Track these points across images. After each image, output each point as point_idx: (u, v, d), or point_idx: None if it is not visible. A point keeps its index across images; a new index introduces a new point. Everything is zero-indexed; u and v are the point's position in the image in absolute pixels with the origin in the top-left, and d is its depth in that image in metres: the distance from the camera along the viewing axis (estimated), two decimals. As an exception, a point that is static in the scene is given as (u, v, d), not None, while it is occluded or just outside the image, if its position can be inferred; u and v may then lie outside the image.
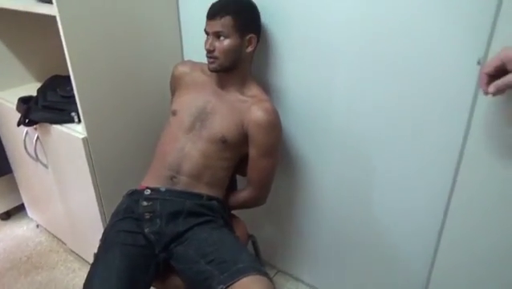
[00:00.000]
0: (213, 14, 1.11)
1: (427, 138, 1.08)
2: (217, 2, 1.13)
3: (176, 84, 1.30)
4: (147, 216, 1.11)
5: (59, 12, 1.12)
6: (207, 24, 1.14)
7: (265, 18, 1.21)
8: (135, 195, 1.17)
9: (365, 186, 1.27)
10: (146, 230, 1.10)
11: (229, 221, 1.23)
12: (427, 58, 1.00)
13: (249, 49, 1.16)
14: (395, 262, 1.31)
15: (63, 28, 1.15)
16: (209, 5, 1.14)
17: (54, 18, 1.14)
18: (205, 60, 1.18)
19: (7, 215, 2.08)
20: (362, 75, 1.12)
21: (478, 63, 0.91)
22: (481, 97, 0.91)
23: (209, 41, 1.13)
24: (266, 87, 1.31)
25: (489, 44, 0.88)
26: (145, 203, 1.13)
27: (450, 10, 0.92)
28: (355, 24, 1.08)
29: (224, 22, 1.10)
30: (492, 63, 0.80)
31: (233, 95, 1.20)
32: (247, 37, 1.14)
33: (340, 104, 1.21)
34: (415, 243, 1.23)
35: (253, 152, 1.18)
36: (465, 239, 1.07)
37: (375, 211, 1.28)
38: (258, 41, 1.18)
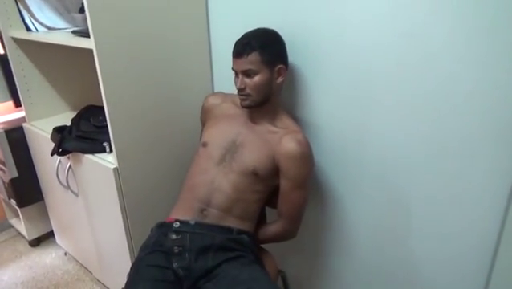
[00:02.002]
0: (238, 52, 1.10)
1: (470, 175, 1.02)
2: (240, 40, 1.12)
3: (206, 116, 1.30)
4: (176, 250, 1.08)
5: (96, 45, 1.16)
6: (234, 63, 1.12)
7: (294, 53, 1.20)
8: (163, 228, 1.14)
9: (401, 220, 1.20)
10: (175, 265, 1.07)
11: (259, 256, 1.18)
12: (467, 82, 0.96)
13: (280, 79, 1.14)
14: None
15: (99, 60, 1.18)
16: (239, 34, 1.13)
17: (91, 51, 1.17)
18: (234, 91, 1.17)
19: (37, 241, 2.11)
20: (398, 106, 1.09)
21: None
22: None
23: (239, 79, 1.12)
24: (297, 119, 1.29)
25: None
26: (174, 236, 1.10)
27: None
28: (387, 57, 1.06)
29: (251, 59, 1.08)
30: None
31: (265, 127, 1.18)
32: (276, 68, 1.12)
33: (374, 136, 1.17)
34: (459, 282, 1.15)
35: (284, 184, 1.15)
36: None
37: (412, 246, 1.21)
38: (286, 69, 1.16)
